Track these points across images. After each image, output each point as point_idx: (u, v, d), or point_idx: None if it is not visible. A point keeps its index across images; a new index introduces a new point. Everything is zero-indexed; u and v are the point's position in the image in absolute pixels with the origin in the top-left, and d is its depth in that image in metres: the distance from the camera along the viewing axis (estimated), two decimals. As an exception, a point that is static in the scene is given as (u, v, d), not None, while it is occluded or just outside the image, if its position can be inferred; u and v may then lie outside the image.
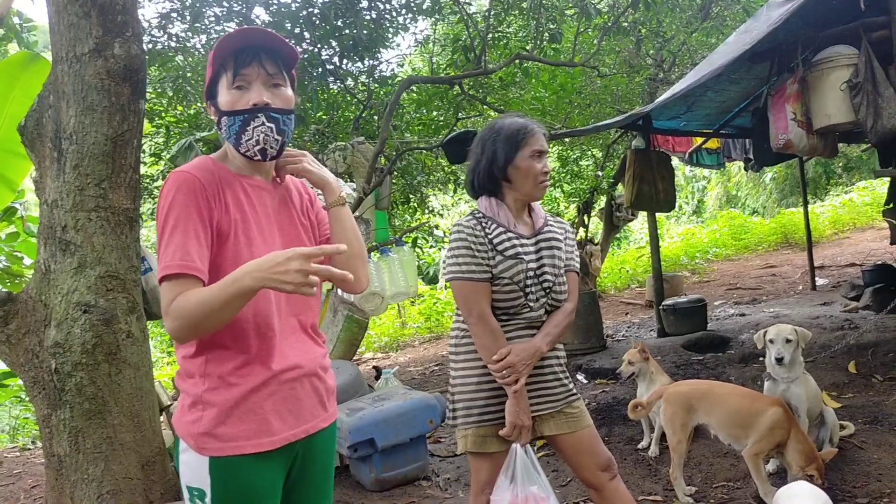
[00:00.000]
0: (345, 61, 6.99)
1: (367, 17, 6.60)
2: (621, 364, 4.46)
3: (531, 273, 2.40)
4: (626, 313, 10.57)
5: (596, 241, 10.64)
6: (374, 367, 6.61)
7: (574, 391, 2.54)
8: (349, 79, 7.42)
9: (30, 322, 3.21)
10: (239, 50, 1.71)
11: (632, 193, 6.57)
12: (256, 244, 1.72)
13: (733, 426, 3.45)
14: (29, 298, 3.23)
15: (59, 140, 3.20)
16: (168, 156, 7.04)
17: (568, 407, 2.50)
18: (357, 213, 5.63)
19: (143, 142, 3.71)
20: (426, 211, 9.43)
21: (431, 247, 11.03)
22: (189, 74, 6.78)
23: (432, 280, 16.43)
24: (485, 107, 8.23)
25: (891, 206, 7.54)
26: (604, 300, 11.29)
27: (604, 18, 8.28)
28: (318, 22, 6.26)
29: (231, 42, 1.71)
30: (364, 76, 7.59)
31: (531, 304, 2.40)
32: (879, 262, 8.63)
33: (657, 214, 8.02)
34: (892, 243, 8.14)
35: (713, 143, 8.26)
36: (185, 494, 1.71)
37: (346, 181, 5.99)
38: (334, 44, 6.55)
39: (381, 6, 6.83)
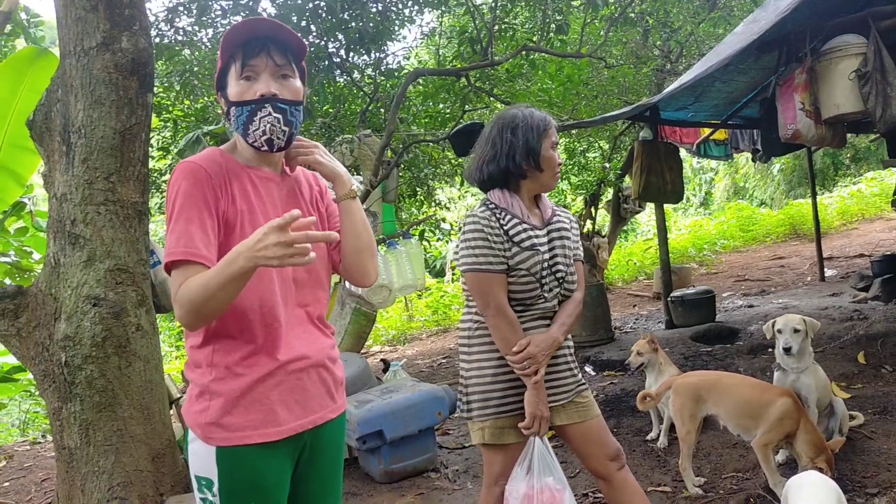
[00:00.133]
0: (351, 54, 6.98)
1: (373, 10, 6.59)
2: (630, 355, 4.45)
3: (545, 264, 2.40)
4: (634, 305, 10.55)
5: (603, 234, 10.61)
6: (382, 360, 6.61)
7: (583, 381, 2.55)
8: (355, 72, 7.42)
9: (40, 315, 3.23)
10: (247, 41, 1.71)
11: (639, 185, 6.55)
12: None
13: (742, 417, 3.44)
14: (39, 292, 3.25)
15: (68, 134, 3.21)
16: (176, 150, 7.05)
17: (578, 397, 2.51)
18: (364, 206, 5.63)
19: (150, 136, 3.72)
20: (433, 204, 9.43)
21: (438, 240, 11.01)
22: (196, 68, 6.79)
23: (439, 273, 16.44)
24: (491, 99, 8.20)
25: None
26: (611, 292, 11.28)
27: (611, 9, 8.23)
28: (324, 15, 6.25)
29: (239, 33, 1.71)
30: (370, 69, 7.58)
31: (546, 294, 2.40)
32: (888, 253, 8.60)
33: (665, 206, 8.00)
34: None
35: (721, 134, 8.22)
36: (194, 484, 1.72)
37: (353, 174, 6.00)
38: (340, 36, 6.55)
39: (387, -2, 6.82)
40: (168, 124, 7.51)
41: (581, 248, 2.59)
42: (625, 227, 13.99)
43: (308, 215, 1.85)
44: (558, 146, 2.51)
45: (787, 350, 3.60)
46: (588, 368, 6.45)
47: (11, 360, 5.37)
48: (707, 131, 8.03)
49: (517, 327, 2.36)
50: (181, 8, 6.45)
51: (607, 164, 9.98)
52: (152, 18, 6.33)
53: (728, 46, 5.41)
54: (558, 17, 7.66)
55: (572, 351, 2.55)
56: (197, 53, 6.89)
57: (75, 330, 3.13)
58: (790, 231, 14.87)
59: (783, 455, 3.70)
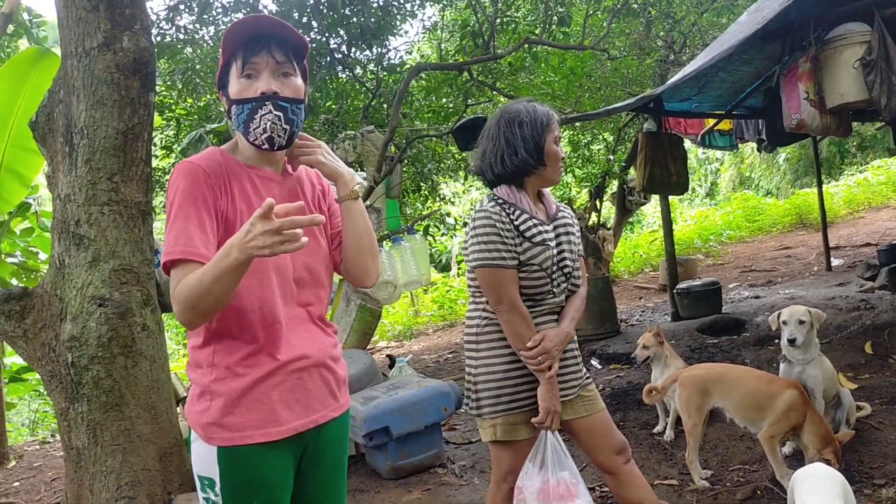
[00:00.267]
0: (353, 50, 6.97)
1: (375, 5, 6.58)
2: (636, 348, 4.45)
3: (554, 259, 2.40)
4: (640, 298, 10.53)
5: (608, 226, 10.60)
6: (388, 356, 6.62)
7: (588, 374, 2.55)
8: (358, 67, 7.40)
9: (45, 316, 3.24)
10: (248, 38, 1.70)
11: (644, 177, 6.53)
12: None
13: (749, 409, 3.44)
14: (44, 293, 3.26)
15: (71, 135, 3.21)
16: (179, 148, 7.06)
17: (583, 390, 2.51)
18: (368, 202, 5.63)
19: (153, 135, 3.72)
20: (437, 199, 9.42)
21: (443, 234, 11.03)
22: (198, 66, 6.79)
23: (445, 268, 16.44)
24: (494, 93, 8.19)
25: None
26: (617, 285, 11.26)
27: (613, 0, 8.21)
28: (325, 11, 6.24)
29: (240, 30, 1.71)
30: (372, 64, 7.57)
31: (555, 290, 2.40)
32: (895, 242, 8.55)
33: (670, 197, 7.97)
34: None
35: (725, 125, 8.19)
36: (197, 483, 1.73)
37: (356, 170, 5.99)
38: (342, 32, 6.53)
39: (389, -7, 6.80)
40: (171, 123, 7.52)
41: (581, 244, 2.59)
42: (630, 219, 13.97)
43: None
44: (562, 139, 2.51)
45: (792, 342, 3.59)
46: (594, 362, 6.44)
47: (20, 361, 5.40)
48: (712, 122, 8.01)
49: (530, 323, 2.35)
50: (182, 6, 6.44)
51: (612, 157, 9.97)
52: (153, 17, 6.34)
53: (731, 36, 5.40)
54: (560, 9, 7.63)
55: (577, 346, 2.55)
56: (199, 51, 6.88)
57: (81, 330, 3.14)
58: (796, 221, 14.82)
59: (790, 447, 3.69)
